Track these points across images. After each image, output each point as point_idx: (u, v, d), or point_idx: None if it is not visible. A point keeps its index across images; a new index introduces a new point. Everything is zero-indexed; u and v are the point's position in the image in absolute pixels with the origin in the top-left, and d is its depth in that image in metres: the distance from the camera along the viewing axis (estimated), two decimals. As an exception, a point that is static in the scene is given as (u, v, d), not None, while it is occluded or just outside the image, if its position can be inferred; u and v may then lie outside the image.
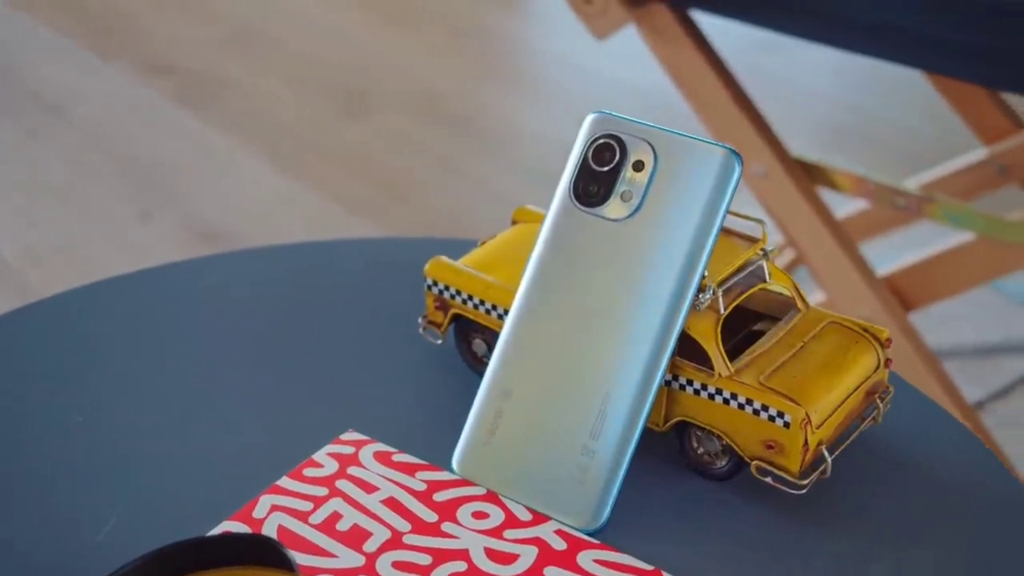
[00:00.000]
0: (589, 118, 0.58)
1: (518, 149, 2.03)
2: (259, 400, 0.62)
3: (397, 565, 0.53)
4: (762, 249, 0.59)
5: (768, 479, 0.56)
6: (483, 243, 0.66)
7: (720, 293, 0.56)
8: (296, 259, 0.73)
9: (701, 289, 0.55)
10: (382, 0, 2.61)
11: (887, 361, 0.59)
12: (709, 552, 0.54)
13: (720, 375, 0.56)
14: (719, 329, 0.56)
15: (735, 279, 0.58)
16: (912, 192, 1.09)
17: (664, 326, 0.55)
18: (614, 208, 0.57)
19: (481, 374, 0.64)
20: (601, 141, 0.57)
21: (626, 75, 2.26)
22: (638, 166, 0.56)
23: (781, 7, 1.04)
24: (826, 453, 0.56)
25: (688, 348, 0.57)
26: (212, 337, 0.67)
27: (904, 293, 1.13)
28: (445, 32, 2.47)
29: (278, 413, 0.62)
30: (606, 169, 0.57)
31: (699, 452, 0.58)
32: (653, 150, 0.56)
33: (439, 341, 0.65)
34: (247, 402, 0.62)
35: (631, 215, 0.56)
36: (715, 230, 0.55)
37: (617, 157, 0.57)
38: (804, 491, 0.55)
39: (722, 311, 0.56)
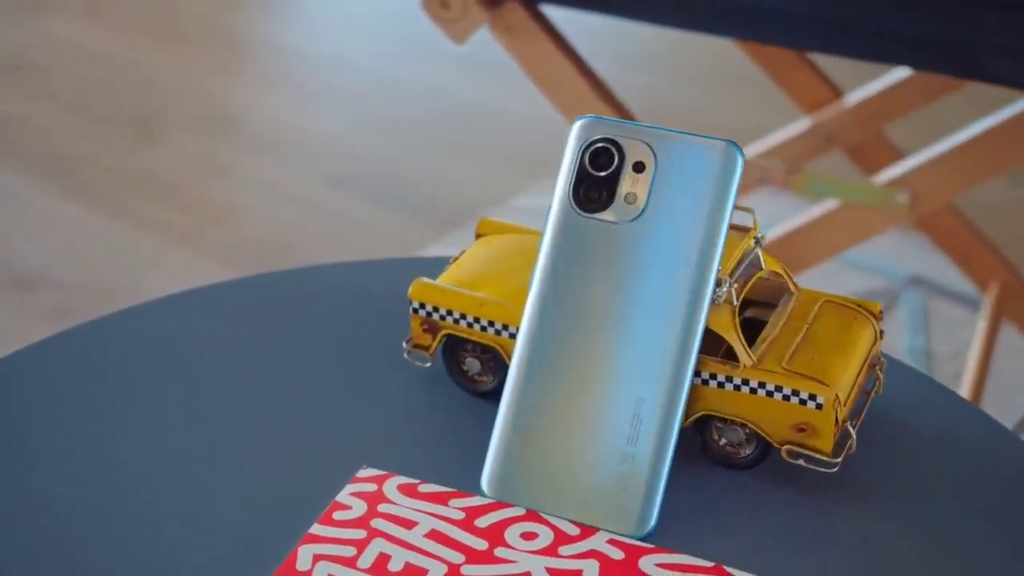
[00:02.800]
0: (578, 123, 0.58)
1: (318, 157, 2.00)
2: (257, 448, 0.60)
3: (465, 598, 0.51)
4: (755, 237, 0.60)
5: (800, 461, 0.57)
6: (455, 260, 0.65)
7: (735, 286, 0.57)
8: (239, 296, 0.70)
9: (717, 283, 0.56)
10: (152, 22, 2.52)
11: (881, 333, 0.61)
12: (756, 541, 0.55)
13: (745, 366, 0.56)
14: (737, 321, 0.57)
15: (739, 270, 0.58)
16: (777, 166, 1.12)
17: (688, 323, 0.55)
18: (619, 211, 0.56)
19: (474, 393, 0.63)
20: (597, 146, 0.57)
21: (388, 69, 2.26)
22: (639, 167, 0.56)
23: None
24: (851, 428, 0.57)
25: (706, 342, 0.57)
26: (183, 386, 0.63)
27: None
28: (223, 48, 2.41)
29: (280, 459, 0.59)
30: (606, 173, 0.57)
31: (722, 444, 0.58)
32: (652, 150, 0.56)
33: (428, 364, 0.63)
34: (245, 451, 0.59)
35: (637, 217, 0.56)
36: (725, 224, 0.56)
37: (616, 160, 0.57)
38: (837, 468, 0.56)
39: (735, 303, 0.57)
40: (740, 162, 0.56)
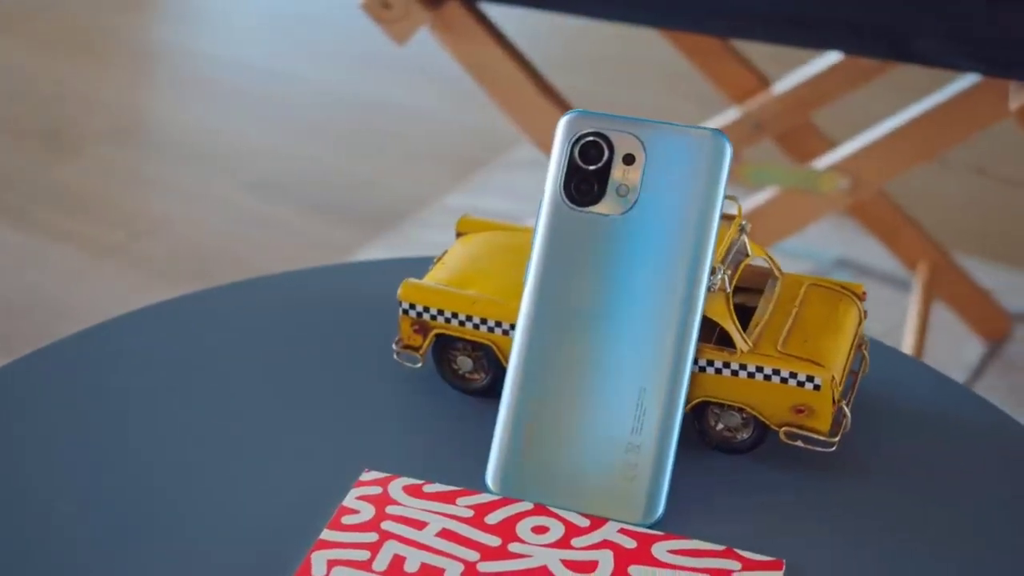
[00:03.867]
0: (565, 118, 0.58)
1: (239, 163, 1.98)
2: (254, 457, 0.59)
3: (485, 595, 0.51)
4: (741, 225, 0.61)
5: (798, 442, 0.58)
6: (438, 260, 0.65)
7: (728, 272, 0.58)
8: (215, 306, 0.69)
9: (711, 271, 0.57)
10: (56, 34, 2.47)
11: (864, 313, 0.62)
12: (761, 523, 0.56)
13: (742, 351, 0.57)
14: (731, 307, 0.58)
15: (728, 257, 0.59)
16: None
17: (686, 311, 0.56)
18: (611, 204, 0.57)
19: (466, 391, 0.63)
20: (586, 139, 0.57)
21: (296, 71, 2.24)
22: (628, 160, 0.57)
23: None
24: (845, 408, 0.58)
25: (702, 330, 0.58)
26: (171, 401, 0.62)
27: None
28: (129, 57, 2.37)
29: (279, 467, 0.59)
30: (597, 167, 0.57)
31: (719, 429, 0.59)
32: (641, 142, 0.57)
33: (419, 364, 0.63)
34: (243, 461, 0.59)
35: (630, 208, 0.57)
36: (717, 212, 0.56)
37: (606, 153, 0.57)
38: (835, 447, 0.58)
39: (728, 290, 0.58)
40: (729, 150, 0.57)
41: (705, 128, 0.57)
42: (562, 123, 0.58)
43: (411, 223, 1.82)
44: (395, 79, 2.24)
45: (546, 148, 1.14)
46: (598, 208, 0.57)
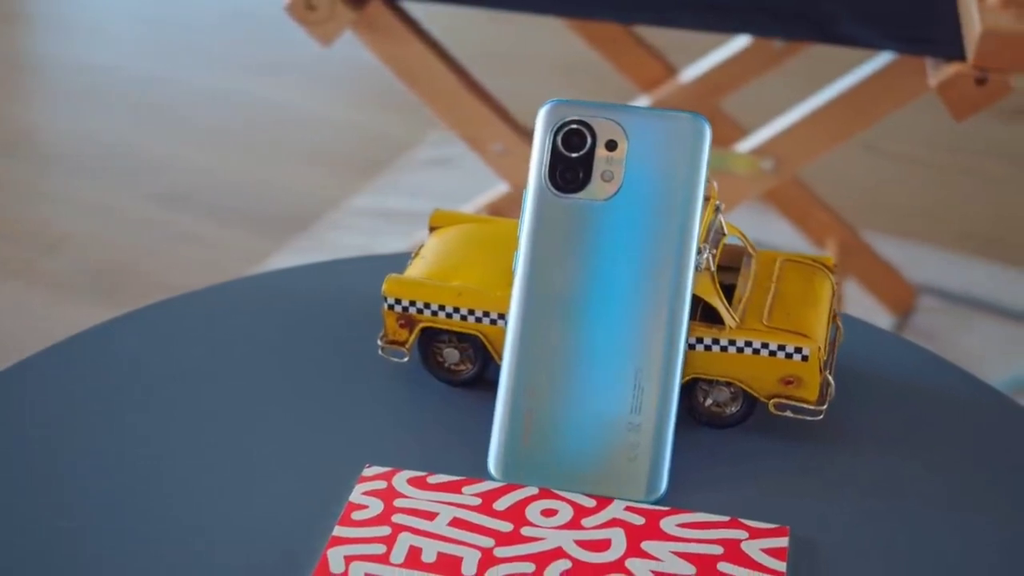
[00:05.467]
0: (545, 107, 0.59)
1: (138, 173, 1.95)
2: (254, 459, 0.59)
3: (506, 579, 0.52)
4: (716, 205, 0.62)
5: (788, 413, 0.59)
6: (417, 254, 0.65)
7: (713, 251, 0.59)
8: (189, 312, 0.69)
9: (698, 251, 0.58)
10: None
11: (837, 284, 0.64)
12: (757, 492, 0.57)
13: (730, 327, 0.59)
14: (718, 285, 0.59)
15: (709, 237, 0.61)
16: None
17: (676, 290, 0.57)
18: (597, 189, 0.58)
19: (453, 383, 0.63)
20: (568, 127, 0.58)
21: (177, 76, 2.22)
22: (611, 145, 0.58)
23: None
24: (829, 377, 0.60)
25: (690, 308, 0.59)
26: (160, 407, 0.62)
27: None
28: (2, 70, 2.32)
29: (279, 468, 0.58)
30: (580, 153, 0.58)
31: (708, 404, 0.61)
32: (622, 128, 0.58)
33: (405, 359, 0.64)
34: (242, 464, 0.59)
35: (616, 193, 0.58)
36: (701, 193, 0.58)
37: (589, 140, 0.58)
38: (823, 416, 0.59)
39: (713, 268, 0.59)
40: (708, 132, 0.58)
41: (683, 112, 0.58)
42: (542, 112, 0.59)
43: (322, 226, 1.82)
44: (282, 82, 2.23)
45: (476, 144, 1.15)
46: (584, 194, 0.58)
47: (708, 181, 0.62)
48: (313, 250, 1.75)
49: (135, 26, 2.47)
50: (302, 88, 2.22)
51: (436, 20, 1.26)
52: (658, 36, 1.62)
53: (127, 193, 1.92)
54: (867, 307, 1.59)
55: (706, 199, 0.62)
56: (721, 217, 0.62)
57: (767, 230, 1.75)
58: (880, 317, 1.59)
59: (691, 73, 1.48)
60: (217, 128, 2.10)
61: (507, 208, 1.23)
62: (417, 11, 1.19)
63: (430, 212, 1.85)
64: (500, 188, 1.26)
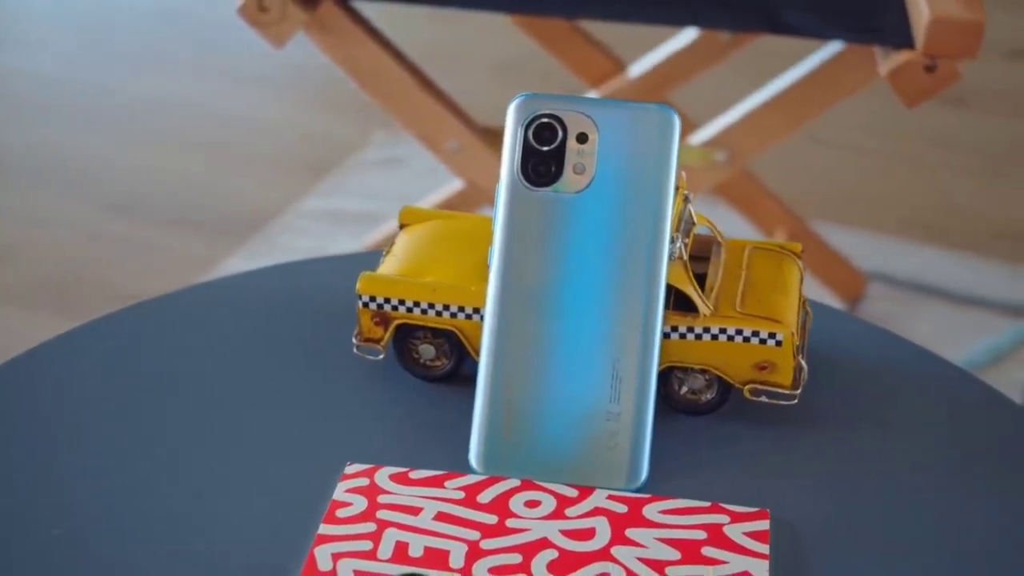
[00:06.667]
0: (516, 101, 0.59)
1: (88, 183, 1.93)
2: (233, 461, 0.59)
3: (494, 571, 0.52)
4: (685, 195, 0.63)
5: (762, 398, 0.60)
6: (388, 252, 0.66)
7: (686, 241, 0.60)
8: (160, 316, 0.69)
9: (670, 240, 0.59)
10: None
11: (804, 269, 0.65)
12: (736, 476, 0.58)
13: (704, 315, 0.60)
14: (691, 273, 0.60)
15: (680, 226, 0.61)
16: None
17: (651, 280, 0.58)
18: (570, 182, 0.59)
19: (427, 379, 0.64)
20: (539, 121, 0.59)
21: (118, 82, 2.21)
22: (582, 138, 0.59)
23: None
24: (802, 361, 0.61)
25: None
26: (137, 410, 0.62)
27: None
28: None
29: (258, 466, 0.58)
30: (552, 147, 0.59)
31: (683, 392, 0.61)
32: (592, 120, 0.59)
33: (380, 356, 0.64)
34: (222, 465, 0.58)
35: (588, 186, 0.58)
36: (672, 183, 0.59)
37: (560, 133, 0.59)
38: (796, 400, 0.60)
39: (685, 257, 0.60)
40: (677, 123, 0.59)
41: (651, 103, 0.59)
42: (512, 107, 0.59)
43: (273, 229, 1.81)
44: (228, 87, 2.22)
45: (430, 143, 1.16)
46: (557, 187, 0.59)
47: (677, 172, 0.62)
48: (265, 254, 1.74)
49: (79, 35, 2.44)
50: (248, 92, 2.21)
51: (375, 20, 1.26)
52: (605, 31, 1.63)
53: (76, 202, 1.90)
54: (817, 295, 1.61)
55: (675, 189, 0.63)
56: (691, 207, 0.63)
57: (717, 221, 1.77)
58: (831, 305, 1.61)
59: (639, 68, 1.49)
60: (164, 135, 2.08)
61: (463, 205, 1.24)
62: (365, 10, 1.19)
63: (380, 212, 1.86)
64: (455, 185, 1.26)
